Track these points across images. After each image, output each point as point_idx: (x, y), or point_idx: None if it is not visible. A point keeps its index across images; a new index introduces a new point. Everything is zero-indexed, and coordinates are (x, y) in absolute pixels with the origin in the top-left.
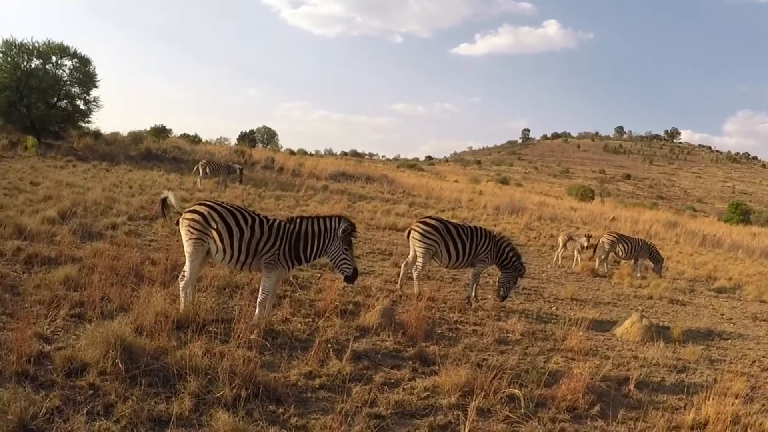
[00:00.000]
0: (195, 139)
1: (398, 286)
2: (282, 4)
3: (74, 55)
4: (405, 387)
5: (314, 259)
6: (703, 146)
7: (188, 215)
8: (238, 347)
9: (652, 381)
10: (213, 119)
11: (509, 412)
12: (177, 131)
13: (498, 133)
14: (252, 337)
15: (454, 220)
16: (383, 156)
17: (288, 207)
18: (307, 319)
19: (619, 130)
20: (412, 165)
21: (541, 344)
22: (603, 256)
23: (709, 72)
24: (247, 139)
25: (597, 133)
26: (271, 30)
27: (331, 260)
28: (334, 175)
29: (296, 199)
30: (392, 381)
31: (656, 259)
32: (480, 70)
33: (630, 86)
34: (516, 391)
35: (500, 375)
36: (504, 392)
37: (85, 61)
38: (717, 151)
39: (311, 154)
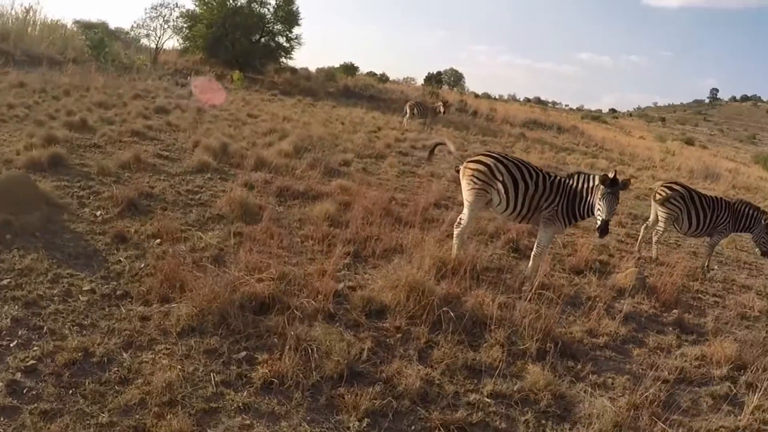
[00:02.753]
0: (382, 78)
1: (636, 248)
2: None
3: None
4: (676, 354)
5: (587, 216)
6: None
7: (472, 165)
8: (521, 299)
9: None
10: (396, 58)
11: None
12: (362, 69)
13: (683, 90)
14: (524, 288)
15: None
16: (566, 105)
17: None
18: (563, 275)
19: None
20: (596, 117)
21: None
22: None
23: None
24: (434, 80)
25: None
26: None
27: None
28: (526, 123)
29: (501, 145)
30: (663, 346)
31: None
32: (670, 23)
33: None
34: None
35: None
36: None
37: (288, 1)
38: None
39: (495, 99)
